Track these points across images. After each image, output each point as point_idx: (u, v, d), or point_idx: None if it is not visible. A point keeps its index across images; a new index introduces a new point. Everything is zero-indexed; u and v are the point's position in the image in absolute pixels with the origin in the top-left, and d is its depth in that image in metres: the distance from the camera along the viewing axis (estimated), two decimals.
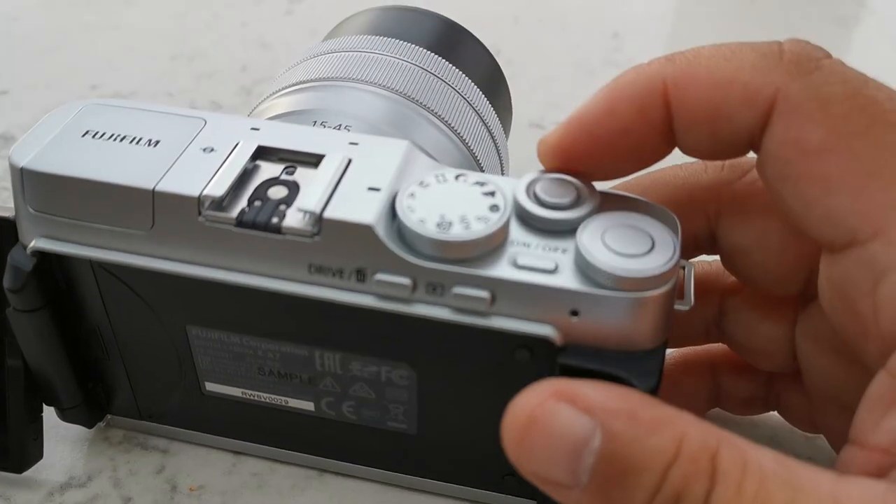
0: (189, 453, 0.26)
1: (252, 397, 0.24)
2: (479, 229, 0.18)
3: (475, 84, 0.29)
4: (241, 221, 0.19)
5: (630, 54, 0.47)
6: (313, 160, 0.20)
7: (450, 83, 0.28)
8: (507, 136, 0.32)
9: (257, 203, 0.19)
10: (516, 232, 0.19)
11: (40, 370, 0.23)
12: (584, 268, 0.18)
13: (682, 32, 0.50)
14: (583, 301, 0.18)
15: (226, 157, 0.20)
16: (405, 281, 0.19)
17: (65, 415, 0.25)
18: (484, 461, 0.23)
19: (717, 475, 0.16)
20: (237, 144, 0.20)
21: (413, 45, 0.28)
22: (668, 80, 0.18)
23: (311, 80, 0.27)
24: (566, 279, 0.18)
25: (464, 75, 0.29)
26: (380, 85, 0.26)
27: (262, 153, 0.20)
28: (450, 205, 0.19)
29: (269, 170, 0.20)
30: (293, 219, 0.19)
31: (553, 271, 0.18)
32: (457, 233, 0.18)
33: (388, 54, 0.28)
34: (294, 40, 0.46)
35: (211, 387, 0.24)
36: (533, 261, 0.18)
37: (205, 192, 0.19)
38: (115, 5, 0.50)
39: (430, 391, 0.22)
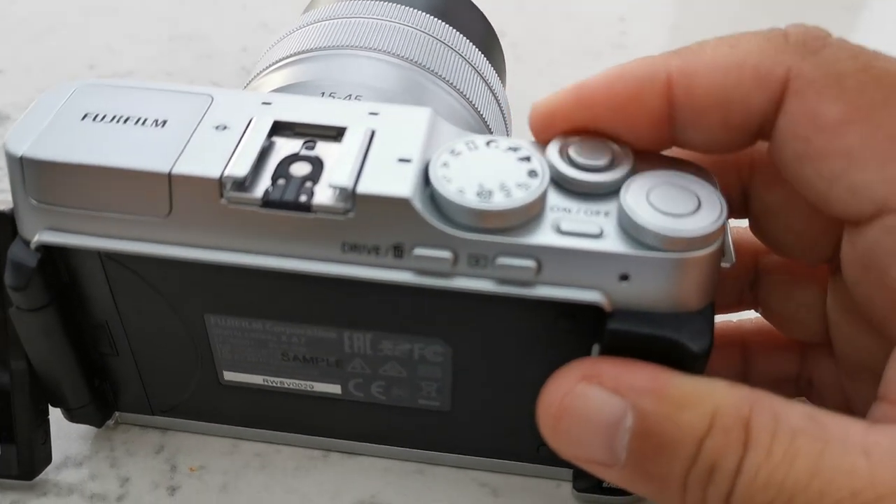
0: (189, 433, 0.25)
1: (274, 384, 0.23)
2: (520, 196, 0.18)
3: (475, 45, 0.28)
4: (267, 202, 0.18)
5: (637, 38, 0.46)
6: (333, 133, 0.19)
7: (452, 46, 0.27)
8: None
9: (281, 181, 0.18)
10: (554, 197, 0.18)
11: (46, 371, 0.22)
12: (632, 230, 0.18)
13: (689, 16, 0.50)
14: (632, 264, 0.18)
15: (241, 135, 0.19)
16: (446, 254, 0.18)
17: (72, 415, 0.24)
18: (518, 433, 0.22)
19: (749, 441, 0.16)
20: (251, 120, 0.19)
21: (410, 8, 0.27)
22: (673, 71, 0.18)
23: (309, 51, 0.26)
24: (614, 243, 0.18)
25: (464, 37, 0.28)
26: (385, 51, 0.25)
27: (278, 128, 0.19)
28: (486, 173, 0.18)
29: (287, 145, 0.19)
30: (323, 195, 0.18)
31: (599, 235, 0.18)
32: (499, 201, 0.17)
33: (387, 19, 0.27)
34: (293, 21, 0.45)
35: (230, 376, 0.23)
36: (577, 226, 0.18)
37: (226, 173, 0.18)
38: None
39: (465, 366, 0.21)
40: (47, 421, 0.23)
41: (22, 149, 0.19)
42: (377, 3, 0.28)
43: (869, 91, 0.17)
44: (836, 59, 0.17)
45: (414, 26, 0.27)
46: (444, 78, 0.25)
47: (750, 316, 0.25)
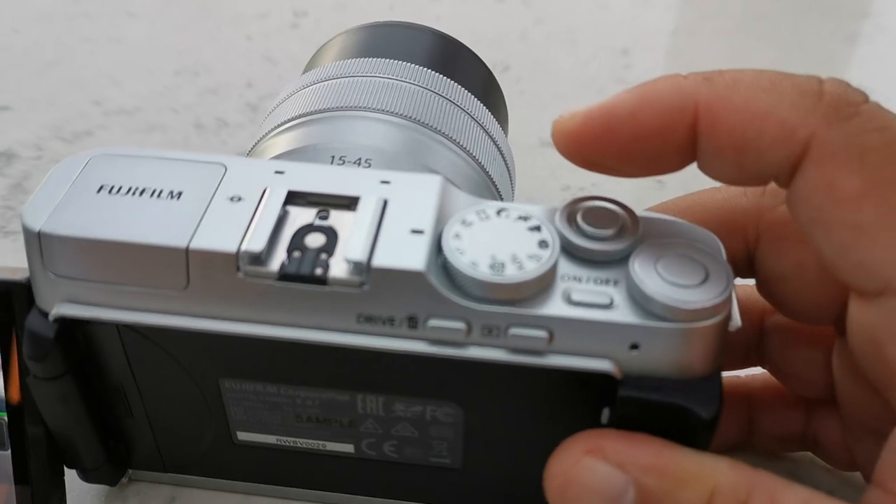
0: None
1: (288, 443, 0.23)
2: (532, 268, 0.18)
3: (477, 98, 0.29)
4: (283, 275, 0.18)
5: (640, 72, 0.46)
6: (346, 202, 0.19)
7: (454, 101, 0.27)
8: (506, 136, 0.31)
9: (296, 254, 0.18)
10: (565, 265, 0.19)
11: (62, 435, 0.22)
12: (641, 300, 0.18)
13: (693, 49, 0.50)
14: (642, 334, 0.18)
15: (256, 206, 0.19)
16: (460, 325, 0.18)
17: (87, 476, 0.24)
18: (527, 491, 0.22)
19: None
20: (265, 190, 0.19)
21: (410, 65, 0.28)
22: (701, 103, 0.18)
23: (314, 112, 0.26)
24: (623, 313, 0.18)
25: (466, 91, 0.28)
26: (390, 112, 0.26)
27: (292, 197, 0.19)
28: (498, 244, 0.18)
29: (301, 216, 0.19)
30: (338, 268, 0.18)
31: (609, 306, 0.18)
32: (511, 274, 0.18)
33: (389, 77, 0.27)
34: (300, 55, 0.45)
35: (243, 436, 0.23)
36: (587, 296, 0.18)
37: (243, 248, 0.18)
38: (116, 18, 0.49)
39: (476, 427, 0.21)
40: (63, 483, 0.24)
41: (39, 224, 0.19)
42: (378, 60, 0.28)
43: (889, 168, 0.17)
44: (863, 131, 0.17)
45: (415, 83, 0.27)
46: (448, 136, 0.26)
47: (757, 372, 0.25)
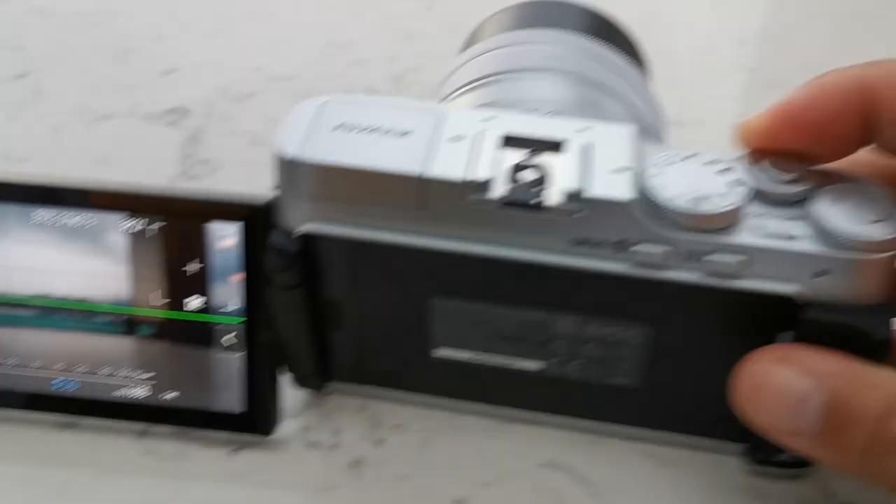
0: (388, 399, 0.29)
1: (480, 360, 0.26)
2: (726, 203, 0.21)
3: (628, 62, 0.32)
4: (506, 202, 0.21)
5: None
6: (553, 145, 0.22)
7: (611, 63, 0.31)
8: None
9: (515, 184, 0.21)
10: (753, 204, 0.22)
11: (287, 341, 0.26)
12: (825, 233, 0.21)
13: (794, 41, 0.52)
14: (826, 263, 0.21)
15: (476, 145, 0.22)
16: (663, 250, 0.21)
17: (298, 381, 0.28)
18: (697, 409, 0.25)
19: None
20: (483, 132, 0.22)
21: (574, 33, 0.31)
22: (873, 80, 0.21)
23: (499, 73, 0.29)
24: (809, 244, 0.21)
25: (619, 55, 0.31)
26: (566, 72, 0.29)
27: (506, 140, 0.22)
28: (693, 183, 0.21)
29: (515, 155, 0.22)
30: (554, 197, 0.21)
31: (797, 237, 0.21)
32: (709, 207, 0.21)
33: (559, 43, 0.30)
34: (435, 34, 0.49)
35: (441, 351, 0.26)
36: (776, 229, 0.21)
37: (470, 177, 0.21)
38: None
39: (660, 348, 0.24)
40: (278, 384, 0.27)
41: (290, 152, 0.22)
42: (544, 30, 0.31)
43: None
44: None
45: (579, 47, 0.30)
46: (614, 91, 0.29)
47: None
